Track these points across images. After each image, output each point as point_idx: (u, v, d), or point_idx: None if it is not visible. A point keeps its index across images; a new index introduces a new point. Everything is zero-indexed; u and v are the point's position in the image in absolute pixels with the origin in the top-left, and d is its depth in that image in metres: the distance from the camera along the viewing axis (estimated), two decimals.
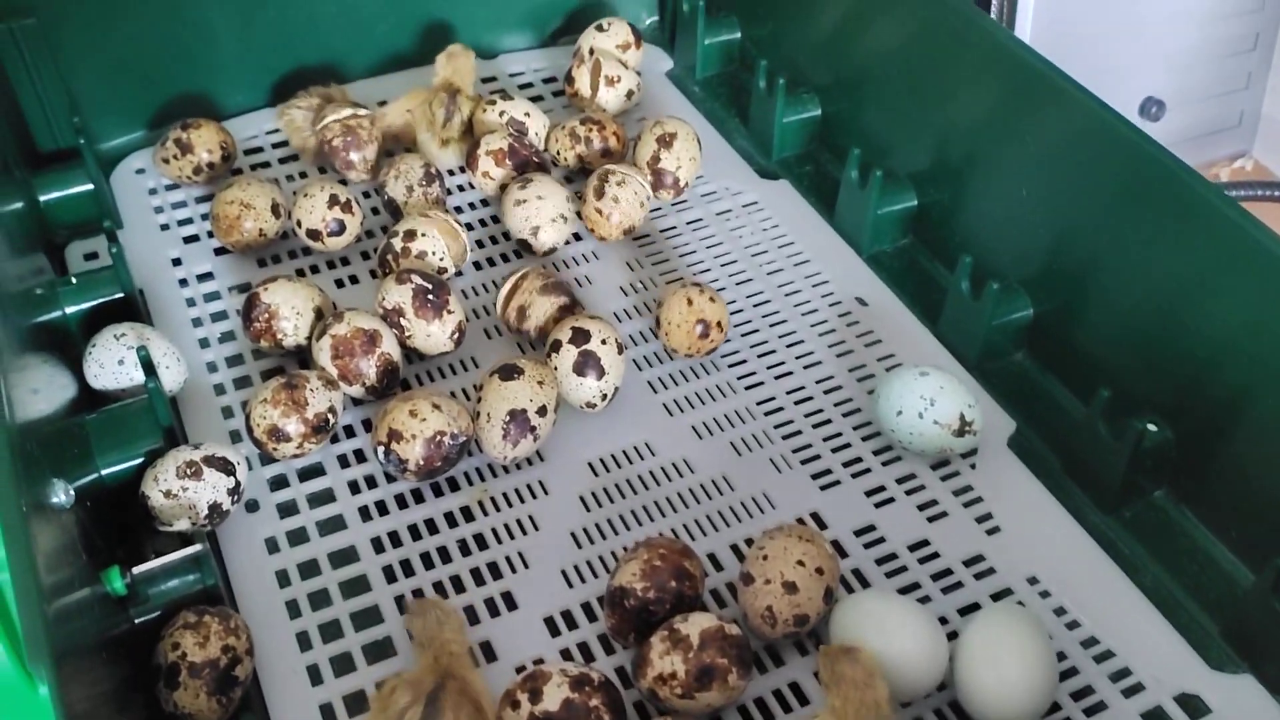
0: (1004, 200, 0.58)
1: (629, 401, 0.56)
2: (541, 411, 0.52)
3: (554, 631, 0.47)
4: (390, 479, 0.53)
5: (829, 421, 0.55)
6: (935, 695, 0.45)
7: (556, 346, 0.54)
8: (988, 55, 0.56)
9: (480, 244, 0.65)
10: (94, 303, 0.57)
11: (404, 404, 0.51)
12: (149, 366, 0.51)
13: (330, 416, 0.52)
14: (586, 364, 0.54)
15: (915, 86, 0.62)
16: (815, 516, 0.52)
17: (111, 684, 0.40)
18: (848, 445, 0.54)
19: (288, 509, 0.52)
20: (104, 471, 0.50)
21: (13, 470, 0.37)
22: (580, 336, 0.54)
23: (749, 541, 0.50)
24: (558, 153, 0.67)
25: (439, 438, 0.50)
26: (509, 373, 0.52)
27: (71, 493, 0.42)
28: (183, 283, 0.62)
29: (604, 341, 0.54)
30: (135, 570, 0.44)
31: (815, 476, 0.53)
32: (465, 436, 0.51)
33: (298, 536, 0.51)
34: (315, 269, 0.63)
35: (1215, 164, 0.88)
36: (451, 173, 0.69)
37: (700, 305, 0.56)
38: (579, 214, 0.64)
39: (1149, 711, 0.45)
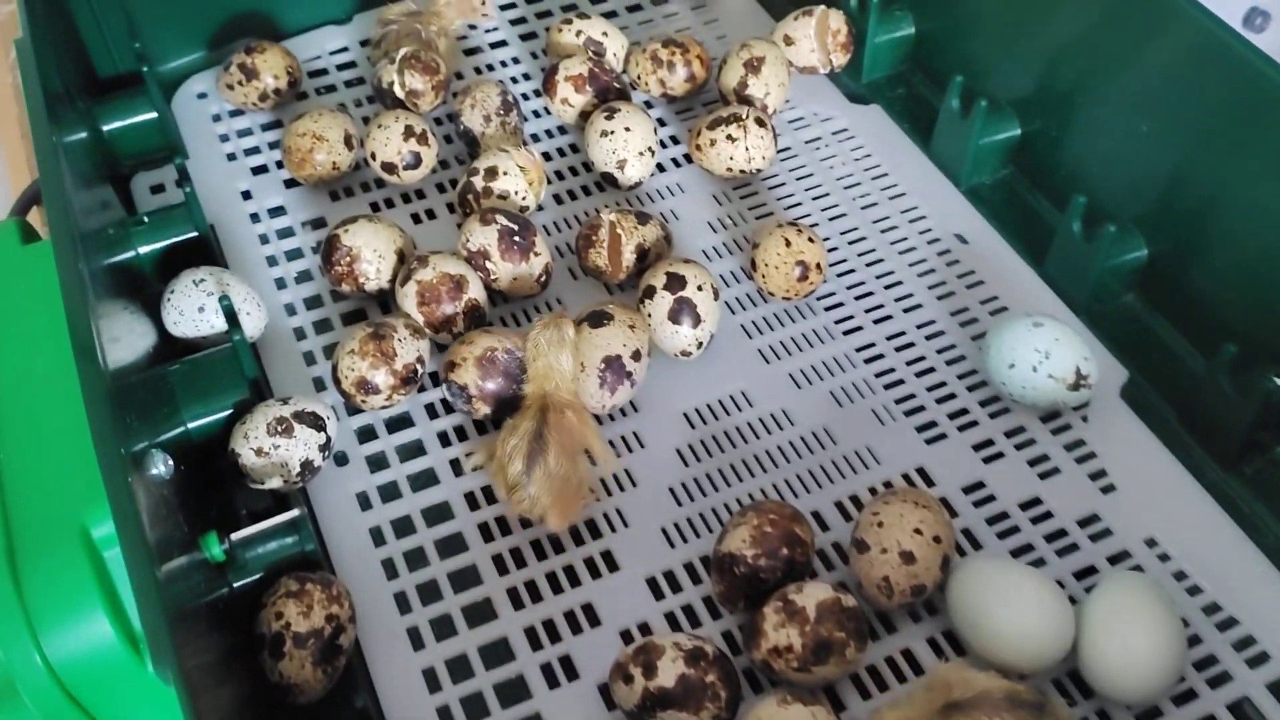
0: (1115, 131, 0.54)
1: (723, 348, 0.54)
2: (636, 356, 0.50)
3: (658, 594, 0.46)
4: (481, 429, 0.51)
5: (932, 370, 0.53)
6: (1054, 666, 0.44)
7: (650, 293, 0.52)
8: None
9: (560, 175, 0.62)
10: (168, 242, 0.55)
11: (461, 342, 0.50)
12: (232, 317, 0.49)
13: (418, 366, 0.51)
14: (682, 311, 0.51)
15: (1015, 2, 0.58)
16: (921, 472, 0.50)
17: (215, 654, 0.39)
18: (953, 396, 0.52)
19: (377, 462, 0.50)
20: (190, 425, 0.48)
21: (113, 429, 0.36)
22: (676, 282, 0.52)
23: (853, 498, 0.49)
24: (638, 76, 0.64)
25: (489, 353, 0.49)
26: (598, 319, 0.50)
27: (170, 463, 0.40)
28: (254, 218, 0.60)
29: (700, 288, 0.52)
30: (234, 536, 0.43)
31: (920, 429, 0.51)
32: (518, 351, 0.49)
33: (389, 492, 0.49)
34: (390, 203, 0.61)
35: None
36: (526, 97, 0.66)
37: (799, 246, 0.54)
38: (697, 148, 0.60)
39: (1276, 682, 0.43)
